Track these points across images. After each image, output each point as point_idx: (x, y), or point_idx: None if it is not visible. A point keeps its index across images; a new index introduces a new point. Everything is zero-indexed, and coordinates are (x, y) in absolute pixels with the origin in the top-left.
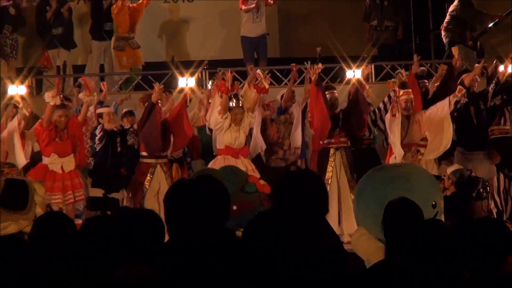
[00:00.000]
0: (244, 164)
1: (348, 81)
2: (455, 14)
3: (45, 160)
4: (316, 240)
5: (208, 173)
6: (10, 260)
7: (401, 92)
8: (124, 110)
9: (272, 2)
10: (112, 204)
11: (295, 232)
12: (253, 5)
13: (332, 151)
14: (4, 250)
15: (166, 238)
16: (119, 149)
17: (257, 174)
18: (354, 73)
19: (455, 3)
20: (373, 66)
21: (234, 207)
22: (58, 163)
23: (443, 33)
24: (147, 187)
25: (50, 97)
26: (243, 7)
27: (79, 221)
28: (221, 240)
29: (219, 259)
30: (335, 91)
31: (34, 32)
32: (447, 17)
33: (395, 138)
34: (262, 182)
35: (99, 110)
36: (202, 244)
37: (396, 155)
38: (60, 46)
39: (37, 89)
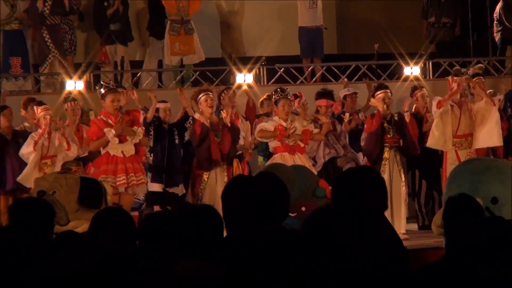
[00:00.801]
0: (302, 161)
1: (406, 78)
2: (505, 11)
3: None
4: (376, 236)
5: (272, 170)
6: (68, 255)
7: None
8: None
9: None
10: (172, 199)
11: (354, 228)
12: None
13: (386, 149)
14: (63, 246)
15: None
16: (177, 143)
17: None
18: (411, 70)
19: None
20: (430, 63)
21: (303, 208)
22: (119, 148)
23: (494, 29)
24: (206, 180)
25: (110, 133)
26: None
27: (135, 213)
28: (279, 236)
29: (277, 255)
30: (388, 91)
31: (92, 27)
32: (497, 13)
33: (445, 130)
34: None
35: (157, 105)
36: (260, 240)
37: (444, 149)
38: (117, 41)
39: (94, 85)
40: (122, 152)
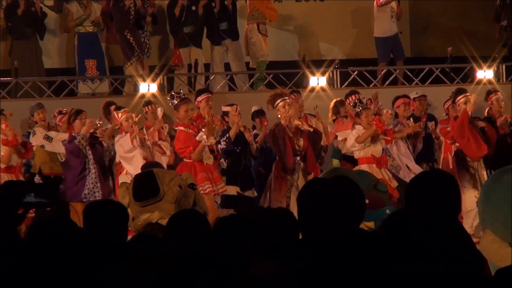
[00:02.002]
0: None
1: (479, 81)
2: None
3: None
4: (451, 240)
5: (343, 173)
6: (143, 257)
7: None
8: (254, 109)
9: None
10: (246, 202)
11: (429, 232)
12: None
13: None
14: (137, 249)
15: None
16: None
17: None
18: (485, 74)
19: None
20: (504, 66)
21: (367, 201)
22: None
23: None
24: (291, 181)
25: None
26: (381, 1)
27: None
28: (356, 239)
29: (354, 257)
30: (468, 94)
31: (166, 30)
32: None
33: None
34: (392, 185)
35: (225, 109)
36: (336, 243)
37: None
38: (191, 44)
39: (168, 87)
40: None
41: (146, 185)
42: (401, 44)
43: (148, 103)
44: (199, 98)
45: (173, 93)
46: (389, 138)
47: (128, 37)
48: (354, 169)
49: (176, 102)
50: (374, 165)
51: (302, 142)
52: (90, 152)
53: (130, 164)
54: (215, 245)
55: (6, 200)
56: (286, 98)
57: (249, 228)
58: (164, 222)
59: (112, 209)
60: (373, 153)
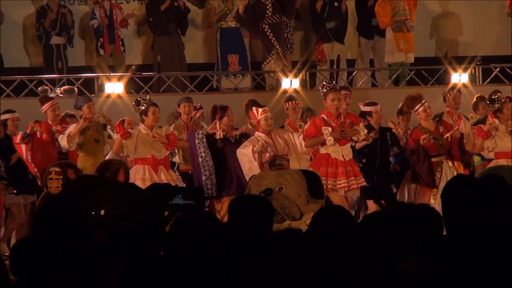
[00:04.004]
0: None
1: None
2: None
3: (327, 149)
4: None
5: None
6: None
7: None
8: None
9: None
10: (386, 193)
11: None
12: None
13: None
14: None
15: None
16: (389, 144)
17: None
18: None
19: None
20: None
21: None
22: (339, 152)
23: None
24: (437, 184)
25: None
26: None
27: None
28: (502, 236)
29: (499, 255)
30: None
31: (309, 26)
32: None
33: None
34: None
35: (365, 109)
36: (482, 240)
37: None
38: (334, 39)
39: (310, 83)
40: (342, 155)
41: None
42: None
43: (290, 98)
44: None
45: (324, 83)
46: None
47: (268, 34)
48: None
49: (143, 108)
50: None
51: (444, 142)
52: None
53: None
54: (360, 242)
55: (153, 202)
56: (424, 101)
57: (393, 225)
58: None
59: (256, 204)
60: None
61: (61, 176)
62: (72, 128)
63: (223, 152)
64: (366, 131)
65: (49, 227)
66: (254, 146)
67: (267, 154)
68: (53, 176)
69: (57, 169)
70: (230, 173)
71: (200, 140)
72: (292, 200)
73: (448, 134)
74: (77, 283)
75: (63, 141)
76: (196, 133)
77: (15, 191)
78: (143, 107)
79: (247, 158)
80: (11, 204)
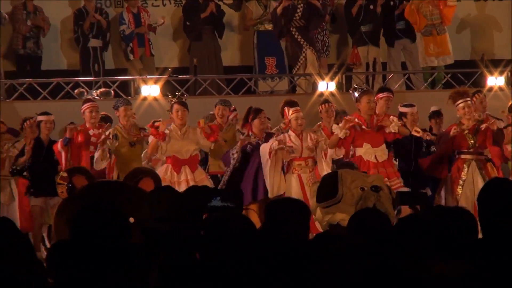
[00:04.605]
0: None
1: None
2: None
3: (359, 151)
4: None
5: None
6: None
7: None
8: (433, 109)
9: None
10: (421, 198)
11: None
12: None
13: None
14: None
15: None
16: (425, 146)
17: None
18: None
19: None
20: None
21: None
22: (372, 153)
23: None
24: (462, 183)
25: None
26: None
27: None
28: None
29: None
30: None
31: (345, 29)
32: None
33: None
34: None
35: (402, 109)
36: None
37: None
38: (369, 42)
39: (346, 86)
40: (375, 156)
41: (327, 187)
42: None
43: (325, 101)
44: (380, 95)
45: (355, 86)
46: None
47: (297, 37)
48: None
49: (358, 95)
50: None
51: (477, 139)
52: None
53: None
54: (396, 245)
55: (190, 205)
56: (468, 99)
57: (428, 228)
58: (345, 223)
59: (293, 207)
60: None
61: (66, 182)
62: (96, 154)
63: (251, 156)
64: (399, 123)
65: (89, 229)
66: (276, 142)
67: (286, 154)
68: (59, 181)
69: (64, 174)
70: (257, 177)
71: (236, 160)
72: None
73: (485, 125)
74: (114, 285)
75: (97, 164)
76: (231, 153)
77: (31, 191)
78: (170, 106)
79: (264, 148)
80: (32, 206)
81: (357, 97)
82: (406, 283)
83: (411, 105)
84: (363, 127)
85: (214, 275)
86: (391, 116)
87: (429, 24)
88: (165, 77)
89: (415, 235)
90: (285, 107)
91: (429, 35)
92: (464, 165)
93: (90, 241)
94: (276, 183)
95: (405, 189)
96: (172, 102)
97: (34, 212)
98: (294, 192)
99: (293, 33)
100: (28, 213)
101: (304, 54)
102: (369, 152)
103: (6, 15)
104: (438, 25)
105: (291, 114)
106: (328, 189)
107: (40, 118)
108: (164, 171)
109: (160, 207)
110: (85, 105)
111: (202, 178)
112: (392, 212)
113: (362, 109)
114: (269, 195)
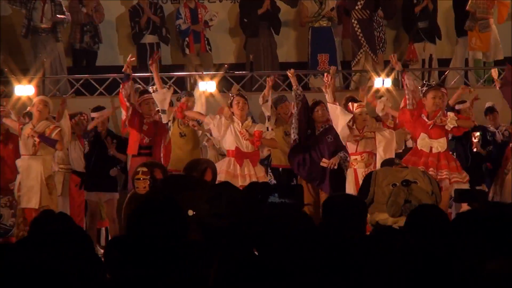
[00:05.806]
0: None
1: None
2: None
3: (418, 143)
4: None
5: None
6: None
7: None
8: (488, 105)
9: None
10: (479, 196)
11: None
12: None
13: None
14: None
15: None
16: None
17: None
18: None
19: None
20: None
21: None
22: (428, 144)
23: None
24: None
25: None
26: None
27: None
28: None
29: None
30: None
31: (401, 25)
32: None
33: None
34: None
35: (456, 106)
36: None
37: None
38: (426, 39)
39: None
40: (430, 147)
41: (363, 187)
42: None
43: (379, 97)
44: None
45: (424, 81)
46: None
47: (356, 30)
48: None
49: (424, 90)
50: None
51: None
52: None
53: None
54: (453, 241)
55: (249, 201)
56: None
57: (484, 224)
58: (385, 222)
59: (351, 203)
60: None
61: (148, 176)
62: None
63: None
64: (456, 118)
65: (147, 224)
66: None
67: None
68: (140, 176)
69: (145, 169)
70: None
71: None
72: (429, 195)
73: None
74: (171, 281)
75: None
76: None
77: (84, 186)
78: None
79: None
80: (89, 201)
81: (424, 92)
82: (459, 278)
83: (463, 102)
84: (424, 118)
85: (272, 272)
86: (448, 113)
87: (479, 17)
88: (221, 73)
89: (471, 231)
90: (350, 102)
91: (471, 30)
92: None
93: (147, 237)
94: None
95: (465, 186)
96: (234, 95)
97: (90, 206)
98: (349, 187)
99: (354, 25)
100: (77, 208)
101: (363, 49)
102: (426, 143)
103: (69, 15)
104: (482, 22)
105: (356, 109)
106: (363, 190)
107: (93, 115)
108: (227, 165)
109: (219, 203)
110: (141, 97)
111: (262, 176)
112: (426, 200)
113: (426, 104)
114: None
